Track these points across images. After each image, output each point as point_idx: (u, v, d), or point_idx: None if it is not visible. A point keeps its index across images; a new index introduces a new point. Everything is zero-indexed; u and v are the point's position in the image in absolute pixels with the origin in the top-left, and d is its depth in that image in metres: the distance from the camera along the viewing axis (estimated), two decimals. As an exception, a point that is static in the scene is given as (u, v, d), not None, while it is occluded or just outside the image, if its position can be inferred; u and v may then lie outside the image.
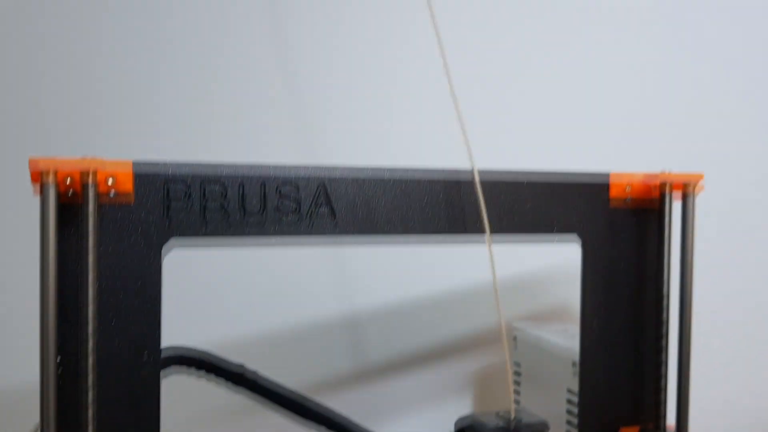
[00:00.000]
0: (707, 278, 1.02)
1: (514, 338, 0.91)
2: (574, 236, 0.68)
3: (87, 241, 0.54)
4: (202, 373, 0.71)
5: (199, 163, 0.59)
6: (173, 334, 0.67)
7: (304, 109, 0.98)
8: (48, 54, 0.91)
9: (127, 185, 0.57)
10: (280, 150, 0.96)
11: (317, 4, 0.98)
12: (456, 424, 0.69)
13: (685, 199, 0.68)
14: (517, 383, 0.91)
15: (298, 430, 0.77)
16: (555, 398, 0.81)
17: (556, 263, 1.05)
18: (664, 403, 0.69)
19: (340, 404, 0.80)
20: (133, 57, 0.93)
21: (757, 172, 1.14)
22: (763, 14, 1.15)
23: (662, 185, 0.68)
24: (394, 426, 1.01)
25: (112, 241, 0.57)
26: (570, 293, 1.02)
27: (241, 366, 0.72)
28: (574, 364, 0.76)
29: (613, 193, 0.69)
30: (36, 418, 0.55)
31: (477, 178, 0.64)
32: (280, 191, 0.60)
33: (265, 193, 0.60)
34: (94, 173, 0.55)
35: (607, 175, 0.68)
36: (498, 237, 0.65)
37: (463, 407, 1.04)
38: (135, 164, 0.57)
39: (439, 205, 0.64)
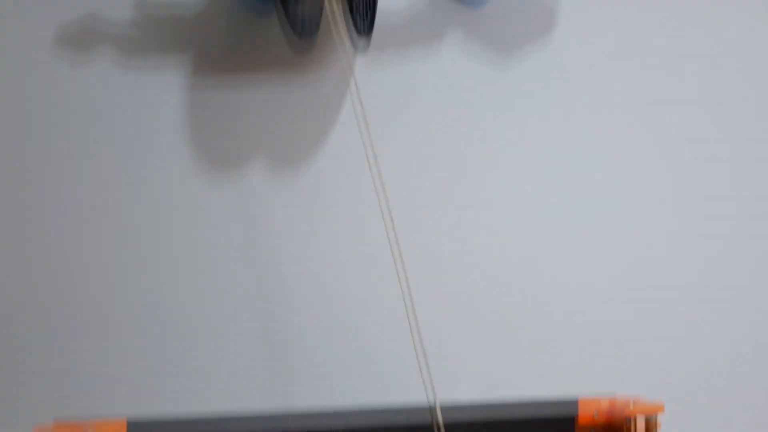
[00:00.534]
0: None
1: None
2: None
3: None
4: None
5: (195, 418, 0.66)
6: None
7: (282, 354, 1.06)
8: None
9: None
10: (259, 393, 1.04)
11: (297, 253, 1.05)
12: None
13: (647, 421, 0.73)
14: None
15: None
16: None
17: None
18: None
19: None
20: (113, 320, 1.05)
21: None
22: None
23: (627, 419, 0.72)
24: None
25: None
26: None
27: None
28: None
29: (582, 419, 0.73)
30: None
31: (440, 417, 0.68)
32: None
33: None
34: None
35: (575, 402, 0.72)
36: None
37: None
38: (129, 423, 0.65)
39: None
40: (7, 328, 1.09)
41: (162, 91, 1.15)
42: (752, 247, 1.11)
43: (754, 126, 1.16)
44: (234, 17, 1.18)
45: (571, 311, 1.09)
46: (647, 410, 0.73)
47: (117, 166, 1.13)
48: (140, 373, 1.05)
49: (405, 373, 1.06)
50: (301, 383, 1.07)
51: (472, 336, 1.10)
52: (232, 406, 0.98)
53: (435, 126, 1.11)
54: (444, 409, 0.71)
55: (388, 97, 1.11)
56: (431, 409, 0.70)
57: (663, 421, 0.76)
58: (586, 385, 1.07)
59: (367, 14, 0.97)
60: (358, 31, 0.92)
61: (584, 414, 0.73)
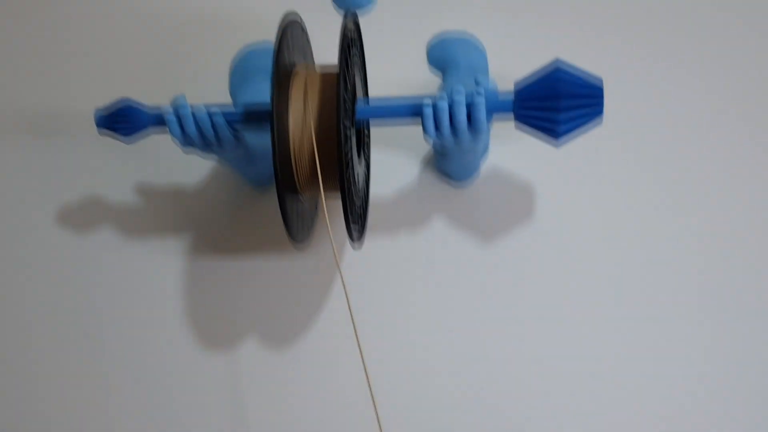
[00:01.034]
0: None
1: None
2: None
3: None
4: None
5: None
6: None
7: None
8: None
9: None
10: None
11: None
12: None
13: None
14: None
15: None
16: None
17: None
18: None
19: None
20: None
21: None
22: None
23: None
24: None
25: None
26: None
27: None
28: None
29: None
30: None
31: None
32: None
33: None
34: None
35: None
36: None
37: None
38: None
39: None
40: None
41: (160, 269, 1.19)
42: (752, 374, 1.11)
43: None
44: (234, 194, 1.23)
45: None
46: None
47: (114, 340, 1.16)
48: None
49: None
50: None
51: None
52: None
53: (421, 302, 1.16)
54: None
55: (377, 274, 1.17)
56: None
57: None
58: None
59: (358, 221, 1.03)
60: (352, 238, 0.98)
61: None
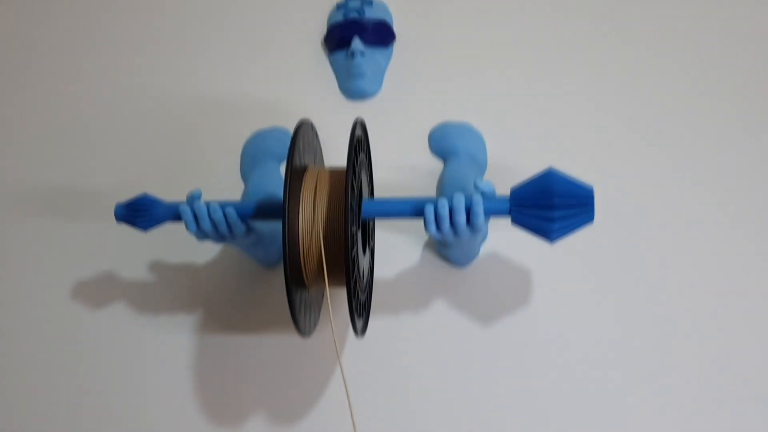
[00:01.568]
0: None
1: None
2: None
3: None
4: None
5: None
6: None
7: None
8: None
9: None
10: None
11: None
12: None
13: None
14: None
15: None
16: None
17: None
18: None
19: None
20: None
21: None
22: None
23: None
24: None
25: None
26: None
27: None
28: None
29: None
30: None
31: None
32: None
33: None
34: None
35: None
36: None
37: None
38: None
39: None
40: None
41: (171, 344, 1.24)
42: None
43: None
44: (243, 273, 1.28)
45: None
46: None
47: (125, 411, 1.21)
48: None
49: None
50: None
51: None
52: None
53: (422, 381, 1.20)
54: None
55: (380, 355, 1.22)
56: None
57: None
58: None
59: (362, 315, 1.09)
60: (356, 331, 1.03)
61: None
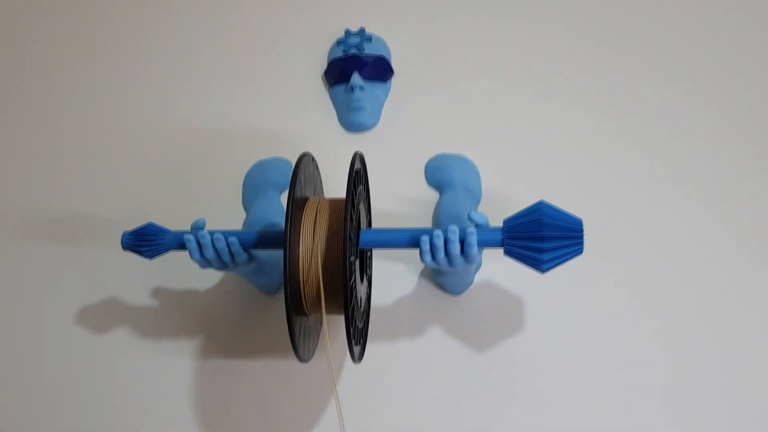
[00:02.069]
0: None
1: None
2: None
3: None
4: None
5: None
6: None
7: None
8: None
9: None
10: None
11: None
12: None
13: None
14: None
15: None
16: None
17: None
18: None
19: None
20: None
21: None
22: None
23: None
24: None
25: None
26: None
27: None
28: None
29: None
30: None
31: None
32: None
33: None
34: None
35: None
36: None
37: None
38: None
39: None
40: None
41: (174, 368, 1.27)
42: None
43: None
44: (244, 299, 1.32)
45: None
46: None
47: None
48: None
49: None
50: None
51: None
52: None
53: (416, 405, 1.23)
54: None
55: (377, 380, 1.25)
56: None
57: None
58: None
59: (360, 342, 1.12)
60: (353, 358, 1.06)
61: None
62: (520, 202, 1.37)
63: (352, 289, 1.03)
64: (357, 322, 1.09)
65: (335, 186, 1.40)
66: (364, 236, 1.09)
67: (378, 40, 1.51)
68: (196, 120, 1.48)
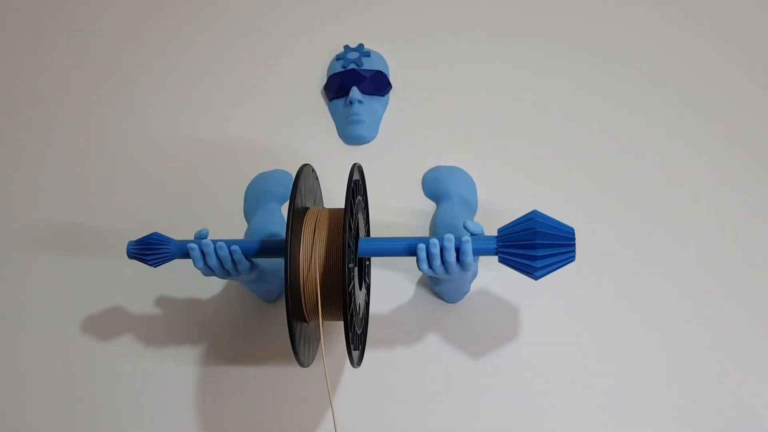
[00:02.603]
0: None
1: None
2: None
3: None
4: None
5: None
6: None
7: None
8: None
9: None
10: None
11: None
12: None
13: None
14: None
15: None
16: None
17: None
18: None
19: None
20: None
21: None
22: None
23: None
24: None
25: None
26: None
27: None
28: None
29: None
30: None
31: None
32: None
33: None
34: None
35: None
36: None
37: None
38: None
39: None
40: None
41: (177, 375, 1.29)
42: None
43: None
44: (245, 307, 1.34)
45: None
46: None
47: None
48: None
49: None
50: None
51: None
52: None
53: (413, 411, 1.25)
54: None
55: (375, 387, 1.27)
56: None
57: None
58: None
59: (359, 347, 1.15)
60: (352, 363, 1.09)
61: None
62: (514, 212, 1.40)
63: (351, 295, 1.06)
64: (356, 327, 1.12)
65: (335, 197, 1.42)
66: (363, 244, 1.11)
67: (376, 56, 1.54)
68: (200, 134, 1.51)
